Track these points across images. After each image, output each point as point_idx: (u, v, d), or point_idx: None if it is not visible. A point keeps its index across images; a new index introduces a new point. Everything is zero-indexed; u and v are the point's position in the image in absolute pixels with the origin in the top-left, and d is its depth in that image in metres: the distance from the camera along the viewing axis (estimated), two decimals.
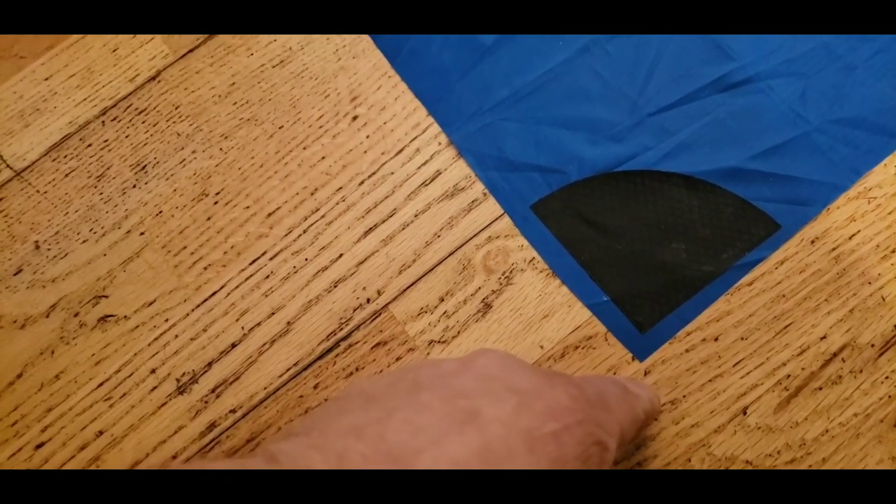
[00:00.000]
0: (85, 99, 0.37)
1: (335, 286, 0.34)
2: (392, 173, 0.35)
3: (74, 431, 0.32)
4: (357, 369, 0.33)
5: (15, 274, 0.34)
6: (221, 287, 0.34)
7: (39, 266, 0.35)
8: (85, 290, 0.34)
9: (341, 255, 0.34)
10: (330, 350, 0.33)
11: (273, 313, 0.33)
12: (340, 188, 0.35)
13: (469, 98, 0.36)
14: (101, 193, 0.35)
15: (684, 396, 0.31)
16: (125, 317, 0.34)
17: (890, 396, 0.31)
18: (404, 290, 0.33)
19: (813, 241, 0.33)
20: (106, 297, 0.34)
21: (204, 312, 0.34)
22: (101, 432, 0.32)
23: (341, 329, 0.33)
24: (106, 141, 0.36)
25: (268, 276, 0.34)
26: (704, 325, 0.32)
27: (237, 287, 0.34)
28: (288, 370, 0.33)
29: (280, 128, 0.36)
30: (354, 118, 0.36)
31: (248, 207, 0.35)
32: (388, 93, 0.36)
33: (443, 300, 0.33)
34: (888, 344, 0.31)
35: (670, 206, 0.33)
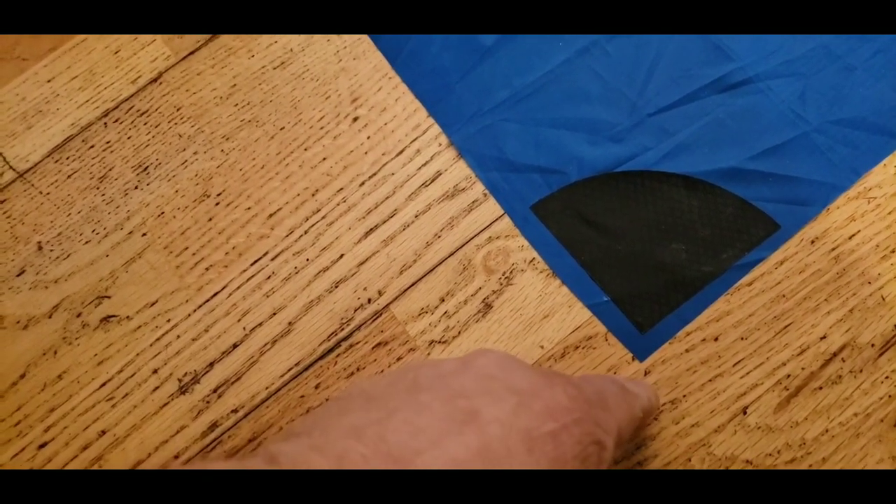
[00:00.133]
0: (87, 101, 0.37)
1: (336, 286, 0.34)
2: (393, 174, 0.35)
3: (77, 431, 0.33)
4: (358, 369, 0.33)
5: (18, 275, 0.35)
6: (223, 287, 0.34)
7: (42, 267, 0.35)
8: (87, 290, 0.34)
9: (342, 256, 0.34)
10: (331, 350, 0.33)
11: (274, 313, 0.34)
12: (341, 189, 0.35)
13: (469, 99, 0.36)
14: (104, 195, 0.36)
15: (684, 396, 0.31)
16: (127, 317, 0.34)
17: (890, 396, 0.31)
18: (405, 291, 0.34)
19: (813, 242, 0.33)
20: (108, 297, 0.34)
21: (206, 313, 0.34)
22: (103, 432, 0.32)
23: (342, 329, 0.33)
24: (108, 142, 0.36)
25: (269, 277, 0.34)
26: (704, 325, 0.32)
27: (239, 287, 0.34)
28: (289, 370, 0.33)
29: (281, 129, 0.36)
30: (355, 119, 0.36)
31: (249, 208, 0.35)
32: (388, 94, 0.36)
33: (443, 300, 0.33)
34: (888, 344, 0.31)
35: (670, 206, 0.33)
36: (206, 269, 0.34)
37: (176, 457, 0.32)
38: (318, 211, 0.35)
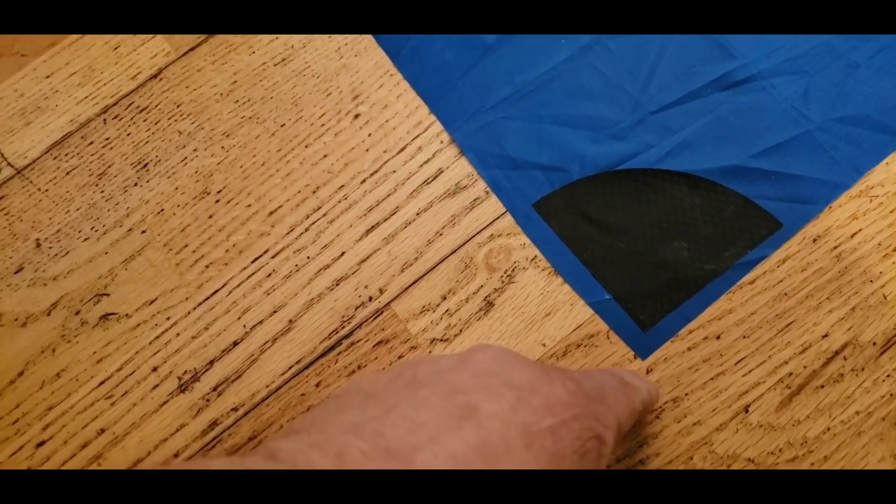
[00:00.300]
0: (86, 97, 0.37)
1: (337, 284, 0.34)
2: (394, 171, 0.35)
3: (76, 429, 0.32)
4: (359, 367, 0.33)
5: (16, 272, 0.34)
6: (223, 285, 0.34)
7: (41, 264, 0.35)
8: (86, 288, 0.34)
9: (343, 254, 0.34)
10: (332, 348, 0.33)
11: (275, 311, 0.33)
12: (342, 186, 0.35)
13: (471, 96, 0.35)
14: (103, 191, 0.35)
15: (686, 394, 0.31)
16: (127, 315, 0.34)
17: (892, 394, 0.31)
18: (406, 288, 0.33)
19: (815, 240, 0.32)
20: (107, 295, 0.34)
21: (206, 310, 0.34)
22: (102, 430, 0.32)
23: (343, 327, 0.33)
24: (107, 139, 0.36)
25: (270, 275, 0.34)
26: (706, 323, 0.32)
27: (239, 285, 0.34)
28: (290, 368, 0.33)
29: (282, 126, 0.36)
30: (356, 116, 0.36)
31: (249, 205, 0.35)
32: (389, 91, 0.36)
33: (445, 298, 0.33)
34: (890, 342, 0.31)
35: (672, 204, 0.33)
36: (206, 266, 0.34)
37: (176, 455, 0.32)
38: (319, 208, 0.35)
